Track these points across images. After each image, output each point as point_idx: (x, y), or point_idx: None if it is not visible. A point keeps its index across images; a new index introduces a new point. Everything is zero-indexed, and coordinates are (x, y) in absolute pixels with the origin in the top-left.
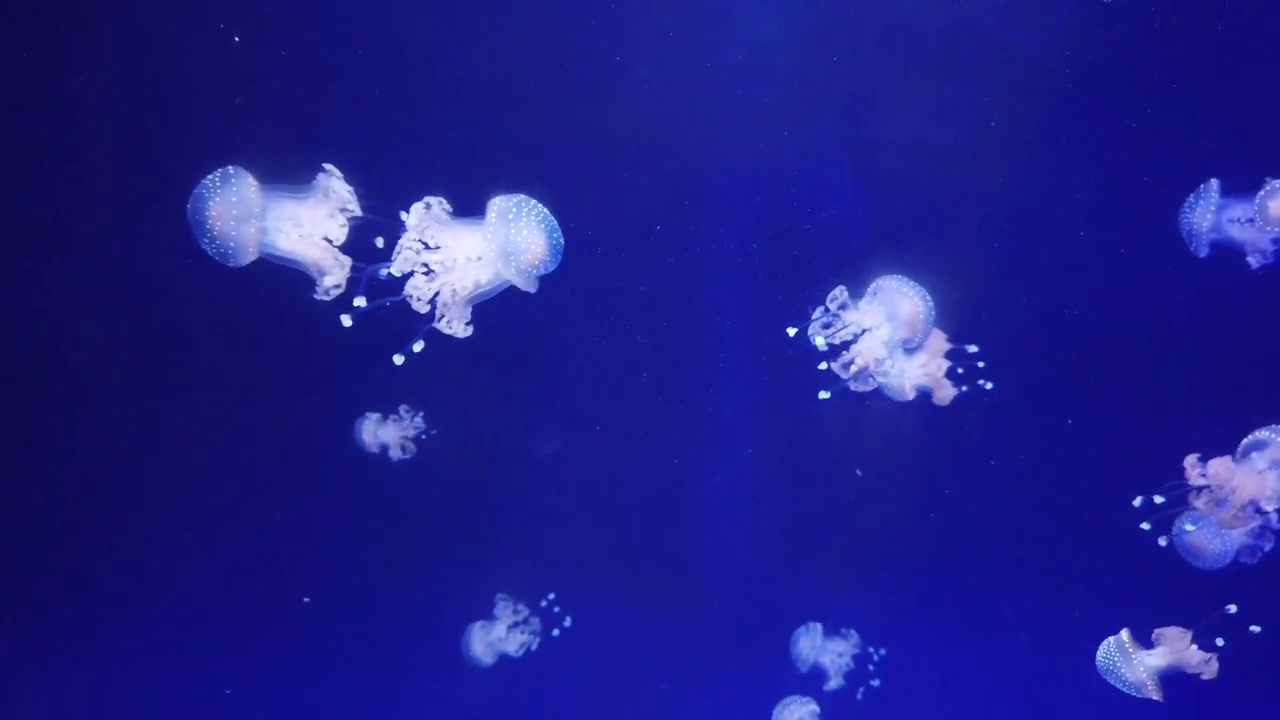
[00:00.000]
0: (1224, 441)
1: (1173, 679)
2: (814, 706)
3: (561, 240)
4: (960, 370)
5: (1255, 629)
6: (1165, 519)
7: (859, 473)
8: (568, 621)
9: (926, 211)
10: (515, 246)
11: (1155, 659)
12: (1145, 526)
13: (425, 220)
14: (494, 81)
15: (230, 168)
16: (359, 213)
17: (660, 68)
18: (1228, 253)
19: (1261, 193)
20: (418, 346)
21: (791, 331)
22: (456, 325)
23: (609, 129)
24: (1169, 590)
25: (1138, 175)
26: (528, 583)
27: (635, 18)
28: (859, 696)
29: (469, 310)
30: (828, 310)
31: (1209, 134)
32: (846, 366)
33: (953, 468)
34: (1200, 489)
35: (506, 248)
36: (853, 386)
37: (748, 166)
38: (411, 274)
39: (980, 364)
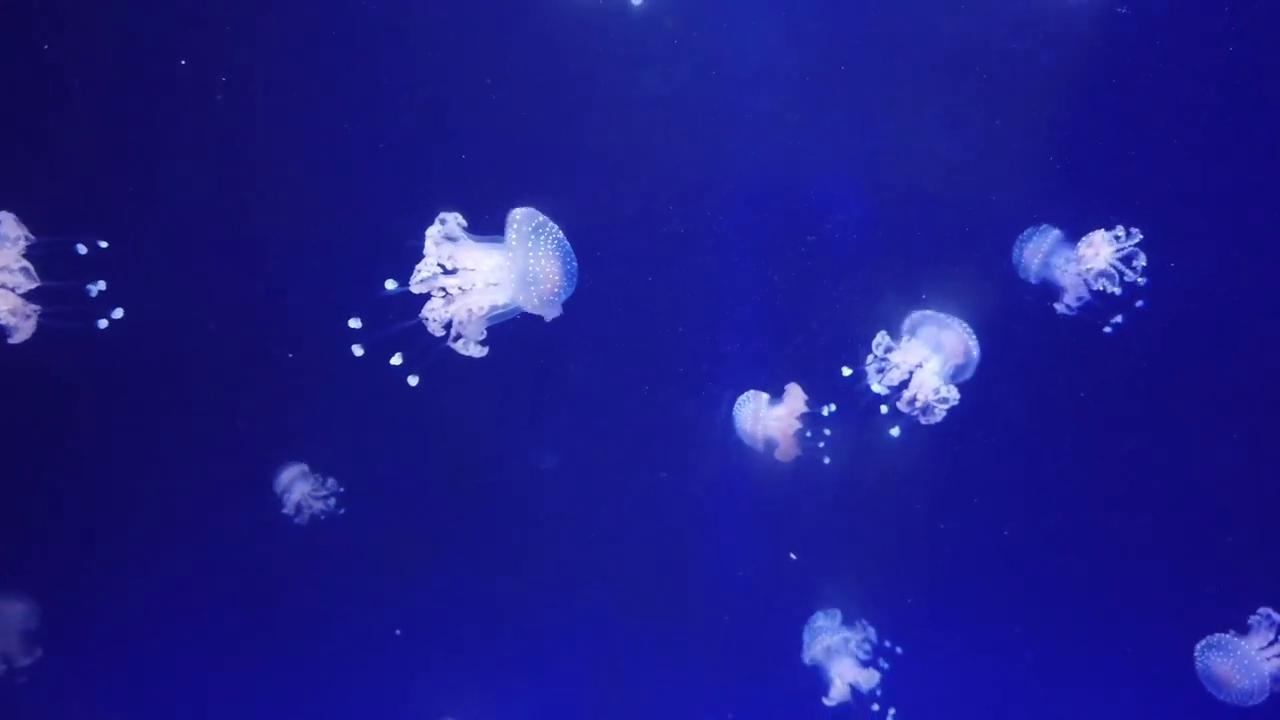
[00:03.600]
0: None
1: None
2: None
3: (575, 265)
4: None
5: None
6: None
7: (793, 556)
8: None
9: (936, 222)
10: (534, 278)
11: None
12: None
13: (442, 241)
14: (501, 92)
15: None
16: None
17: (667, 77)
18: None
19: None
20: (413, 379)
21: (846, 372)
22: (472, 346)
23: (616, 139)
24: (1168, 591)
25: (1146, 186)
26: (529, 593)
27: (643, 28)
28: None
29: (484, 330)
30: (877, 357)
31: (1217, 146)
32: (911, 404)
33: (962, 480)
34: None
35: (526, 277)
36: (922, 421)
37: (755, 177)
38: (429, 296)
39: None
